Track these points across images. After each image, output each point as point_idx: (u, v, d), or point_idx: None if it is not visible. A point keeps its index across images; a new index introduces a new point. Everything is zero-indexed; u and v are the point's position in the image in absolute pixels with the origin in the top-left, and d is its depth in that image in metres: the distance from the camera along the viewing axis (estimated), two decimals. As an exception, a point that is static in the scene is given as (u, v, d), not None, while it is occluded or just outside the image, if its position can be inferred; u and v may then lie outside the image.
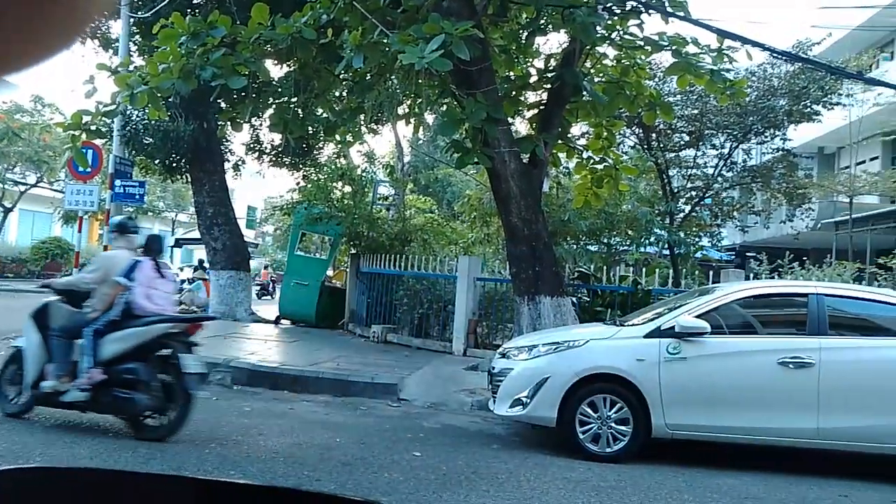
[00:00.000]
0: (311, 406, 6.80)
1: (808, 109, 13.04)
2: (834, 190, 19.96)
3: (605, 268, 10.07)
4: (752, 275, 12.01)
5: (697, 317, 5.41)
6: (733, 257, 23.10)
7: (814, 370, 5.19)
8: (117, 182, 11.77)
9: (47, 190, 25.23)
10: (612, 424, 5.34)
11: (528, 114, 9.27)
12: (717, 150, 13.88)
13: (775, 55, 11.72)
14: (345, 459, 4.86)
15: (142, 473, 1.32)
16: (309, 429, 5.76)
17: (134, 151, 12.60)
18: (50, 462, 4.30)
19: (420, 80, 7.11)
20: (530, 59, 9.49)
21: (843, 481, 5.10)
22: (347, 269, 13.55)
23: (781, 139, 13.81)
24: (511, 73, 9.15)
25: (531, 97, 9.34)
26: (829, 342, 5.30)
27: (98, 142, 11.08)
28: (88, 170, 11.37)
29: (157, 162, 13.22)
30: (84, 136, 7.70)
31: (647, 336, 5.45)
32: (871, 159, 23.87)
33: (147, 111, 9.58)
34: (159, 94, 7.24)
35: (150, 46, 9.91)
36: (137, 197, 12.21)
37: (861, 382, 5.23)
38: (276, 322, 13.23)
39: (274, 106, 8.64)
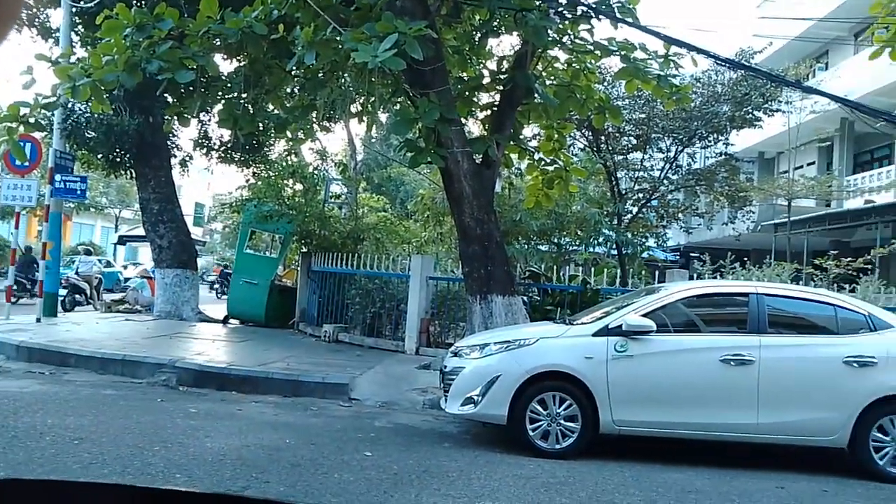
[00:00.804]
0: (260, 407, 6.70)
1: (750, 115, 13.54)
2: (773, 193, 20.76)
3: (555, 267, 10.22)
4: (695, 275, 12.39)
5: (643, 316, 5.55)
6: (678, 257, 23.75)
7: (754, 367, 5.39)
8: (57, 177, 11.35)
9: (-20, 184, 24.08)
10: (562, 421, 5.43)
11: (481, 115, 9.33)
12: (664, 153, 14.27)
13: (719, 62, 12.11)
14: (294, 461, 4.81)
15: (80, 483, 1.28)
16: (258, 430, 5.67)
17: (75, 145, 12.16)
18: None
19: (373, 79, 7.07)
20: (483, 61, 9.56)
21: (780, 473, 5.31)
22: (298, 268, 13.37)
23: (724, 144, 14.29)
24: (464, 74, 9.20)
25: (484, 98, 9.41)
26: (768, 340, 5.51)
27: (37, 135, 10.65)
28: (26, 164, 10.92)
29: (99, 157, 12.78)
30: (22, 128, 7.38)
31: (596, 335, 5.56)
32: (809, 164, 24.90)
33: (90, 104, 9.26)
34: (103, 87, 7.00)
35: (93, 37, 9.57)
36: (79, 192, 11.80)
37: (797, 379, 5.45)
38: (225, 322, 12.97)
39: (223, 101, 8.49)
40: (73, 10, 11.59)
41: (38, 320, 10.76)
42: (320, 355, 9.20)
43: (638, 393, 5.43)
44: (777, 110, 14.24)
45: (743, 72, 12.66)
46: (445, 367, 6.08)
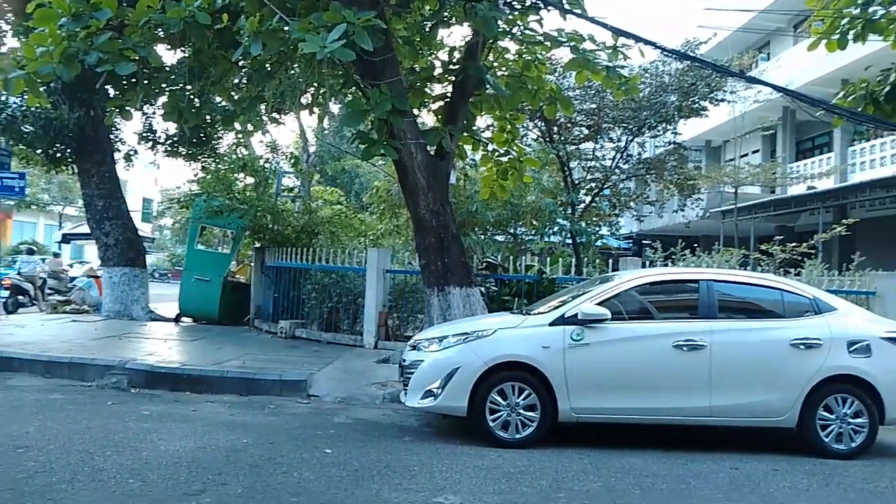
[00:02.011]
0: (216, 407, 6.55)
1: (697, 105, 13.83)
2: (720, 181, 21.33)
3: (511, 258, 10.27)
4: (647, 262, 12.64)
5: (598, 304, 5.63)
6: (631, 245, 24.23)
7: (705, 352, 5.52)
8: (-7, 174, 10.85)
9: None
10: (521, 411, 5.47)
11: (434, 106, 9.29)
12: (615, 143, 14.47)
13: (666, 53, 12.30)
14: (252, 461, 4.72)
15: None
16: (214, 431, 5.55)
17: (12, 140, 11.64)
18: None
19: (323, 70, 6.96)
20: (434, 52, 9.51)
21: (733, 454, 5.46)
22: (252, 264, 13.12)
23: (672, 133, 14.58)
24: (416, 65, 9.14)
25: (436, 89, 9.37)
26: (718, 325, 5.65)
27: (-31, 130, 10.16)
28: (-42, 161, 10.42)
29: (38, 152, 12.28)
30: (-49, 123, 7.02)
31: (552, 324, 5.61)
32: (753, 152, 25.68)
33: (25, 97, 8.86)
34: (38, 80, 6.69)
35: (24, 26, 9.14)
36: (17, 189, 11.35)
37: (747, 362, 5.60)
38: (177, 320, 12.65)
39: (167, 93, 8.23)
40: (5, -2, 11.06)
41: (-23, 324, 10.29)
42: (277, 352, 9.06)
43: (595, 380, 5.50)
44: (722, 100, 14.59)
45: (689, 62, 12.91)
46: (404, 360, 6.06)
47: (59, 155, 12.28)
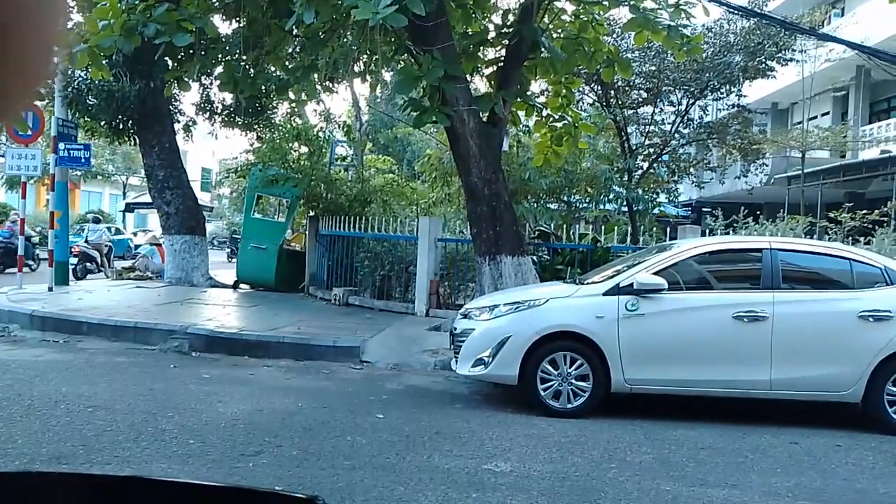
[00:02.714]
0: (272, 371, 6.73)
1: (763, 65, 13.19)
2: (787, 145, 20.40)
3: (565, 226, 10.13)
4: (707, 230, 12.26)
5: (655, 274, 5.48)
6: (690, 213, 23.55)
7: (767, 323, 5.32)
8: (61, 145, 11.26)
9: (-13, 154, 24.09)
10: (573, 381, 5.41)
11: (487, 71, 9.11)
12: (675, 106, 13.98)
13: (731, 10, 11.74)
14: (307, 424, 4.83)
15: (94, 476, 1.24)
16: (270, 394, 5.70)
17: (77, 113, 12.04)
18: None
19: (375, 37, 6.89)
20: (487, 15, 9.29)
21: (794, 429, 5.29)
22: (306, 232, 13.33)
23: (737, 95, 13.98)
24: (468, 29, 8.95)
25: (489, 54, 9.17)
26: (782, 296, 5.43)
27: (38, 103, 10.53)
28: (29, 133, 10.85)
29: (102, 124, 12.68)
30: (21, 97, 7.29)
31: (606, 294, 5.50)
32: (823, 114, 24.41)
33: (89, 71, 9.11)
34: (101, 53, 6.87)
35: (88, 1, 9.36)
36: (83, 160, 11.73)
37: (811, 334, 5.39)
38: (235, 287, 13.01)
39: (223, 64, 8.31)
40: (68, -27, 11.34)
41: (50, 289, 10.82)
42: (331, 319, 9.22)
43: (649, 351, 5.39)
44: (791, 59, 13.87)
45: (756, 20, 12.28)
46: (455, 328, 6.06)
47: (121, 126, 12.65)
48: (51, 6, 0.36)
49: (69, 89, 11.42)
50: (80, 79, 11.48)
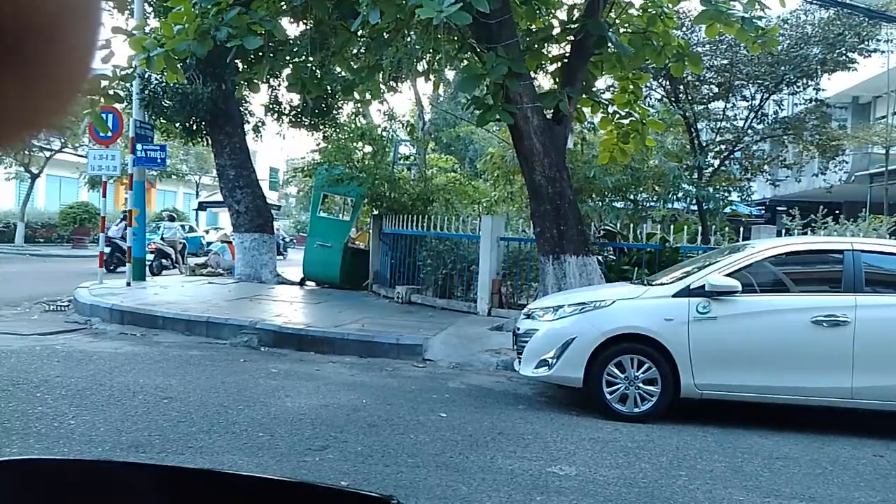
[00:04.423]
0: (337, 367, 6.84)
1: (844, 57, 12.53)
2: (869, 141, 19.34)
3: (631, 225, 9.90)
4: (783, 230, 11.74)
5: (728, 275, 5.28)
6: (763, 212, 22.64)
7: (848, 329, 5.05)
8: (139, 146, 11.77)
9: (72, 155, 25.45)
10: (640, 384, 5.28)
11: (551, 68, 9.00)
12: (748, 101, 13.45)
13: (809, 1, 11.22)
14: (371, 420, 4.88)
15: (130, 464, 1.28)
16: (335, 390, 5.80)
17: (154, 115, 12.56)
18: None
19: (439, 35, 6.91)
20: (552, 11, 9.16)
21: (879, 440, 5.00)
22: (370, 230, 13.51)
23: (815, 89, 13.33)
24: (532, 26, 8.85)
25: (554, 50, 9.06)
26: (864, 300, 5.15)
27: (117, 106, 11.04)
28: (109, 134, 11.37)
29: (177, 125, 13.18)
30: (103, 100, 7.65)
31: (676, 295, 5.34)
32: (909, 108, 23.01)
33: (165, 74, 9.49)
34: (175, 57, 7.12)
35: (164, 7, 9.75)
36: (159, 161, 12.22)
37: (898, 341, 5.08)
38: (301, 284, 13.31)
39: (291, 65, 8.49)
40: (146, -19, 11.84)
41: (128, 284, 11.33)
42: (394, 316, 9.31)
43: (722, 356, 5.19)
44: (874, 50, 13.11)
45: (836, 10, 11.68)
46: (518, 328, 6.01)
47: (194, 128, 13.13)
48: (83, 22, 0.36)
49: (146, 92, 11.93)
50: (157, 82, 11.96)
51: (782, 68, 12.30)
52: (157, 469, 1.04)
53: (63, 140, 24.18)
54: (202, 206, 28.07)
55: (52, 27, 0.33)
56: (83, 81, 0.36)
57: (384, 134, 14.54)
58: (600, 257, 8.83)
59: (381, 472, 3.88)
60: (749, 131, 13.45)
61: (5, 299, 10.33)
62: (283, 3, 7.07)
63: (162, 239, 16.26)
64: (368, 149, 13.70)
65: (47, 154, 24.26)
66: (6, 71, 0.32)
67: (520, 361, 5.84)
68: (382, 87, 13.54)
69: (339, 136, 14.17)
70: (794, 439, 4.96)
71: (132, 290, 10.92)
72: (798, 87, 13.08)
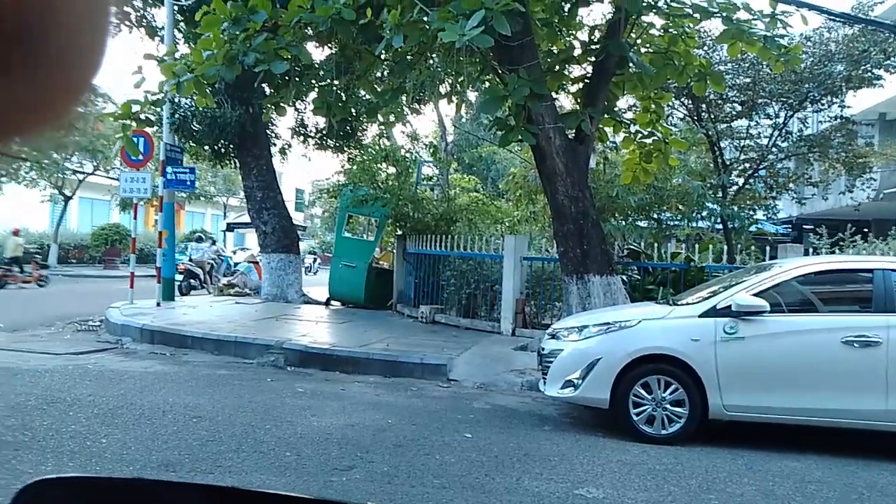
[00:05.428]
0: (363, 387, 6.87)
1: (869, 74, 12.40)
2: (897, 157, 19.01)
3: (655, 244, 9.83)
4: (811, 249, 11.59)
5: (755, 295, 5.23)
6: (790, 231, 22.33)
7: (881, 349, 4.97)
8: (169, 169, 12.04)
9: (104, 178, 26.04)
10: (667, 406, 5.23)
11: (573, 88, 9.06)
12: (772, 119, 13.33)
13: (833, 18, 11.15)
14: (396, 441, 4.90)
15: (183, 483, 1.32)
16: (361, 410, 5.83)
17: (183, 138, 12.85)
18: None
19: (461, 58, 7.00)
20: (573, 32, 9.25)
21: (914, 464, 4.89)
22: (394, 251, 13.60)
23: (840, 106, 13.18)
24: (554, 47, 8.94)
25: (575, 71, 9.12)
26: (897, 320, 5.06)
27: (148, 130, 11.32)
28: (140, 158, 11.64)
29: (206, 148, 13.47)
30: (134, 125, 7.87)
31: (703, 315, 5.30)
32: (939, 124, 22.65)
33: (194, 98, 9.73)
34: (205, 82, 7.32)
35: (194, 33, 10.02)
36: (189, 183, 12.48)
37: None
38: (327, 303, 13.42)
39: (317, 89, 8.67)
40: (176, 7, 12.18)
41: (158, 304, 11.52)
42: (418, 336, 9.33)
43: (750, 377, 5.13)
44: (902, 66, 12.95)
45: (861, 26, 11.60)
46: (543, 349, 6.00)
47: (223, 150, 13.40)
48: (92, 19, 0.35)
49: (176, 116, 12.22)
50: (186, 106, 12.25)
51: (806, 86, 12.21)
52: (188, 487, 1.07)
53: (95, 164, 24.76)
54: (230, 228, 28.47)
55: (59, 28, 0.32)
56: (83, 90, 0.35)
57: (407, 155, 14.70)
58: (624, 277, 8.79)
59: (408, 492, 3.89)
60: (773, 149, 13.33)
61: (39, 319, 10.57)
62: (308, 29, 7.22)
63: (190, 260, 16.52)
64: (392, 170, 13.85)
65: (79, 177, 24.87)
66: (3, 67, 0.31)
67: (545, 382, 5.82)
68: (406, 109, 13.73)
69: (364, 157, 14.35)
70: (827, 462, 4.87)
71: (162, 309, 11.10)
72: (822, 104, 12.95)
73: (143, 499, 0.84)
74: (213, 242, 19.79)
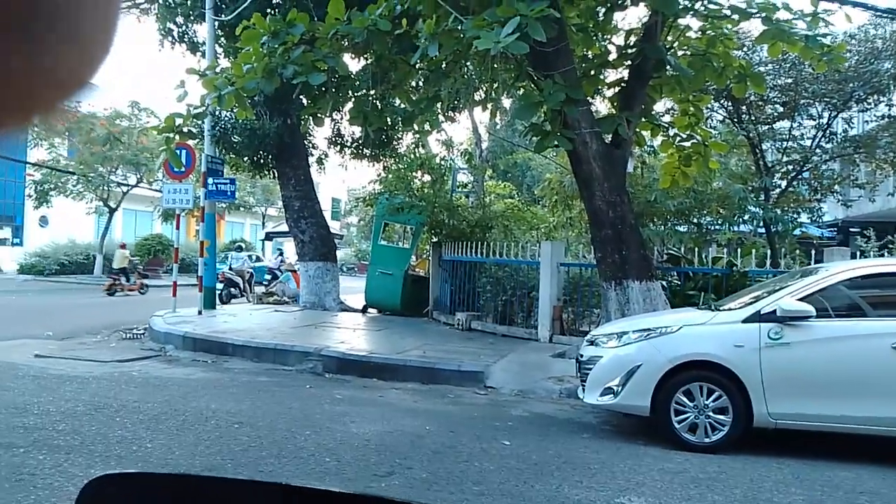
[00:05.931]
0: (400, 394, 6.90)
1: (919, 70, 12.01)
2: (949, 157, 18.33)
3: (696, 249, 9.67)
4: (858, 252, 11.25)
5: (800, 300, 5.10)
6: (835, 234, 21.71)
7: (935, 355, 4.79)
8: (210, 180, 12.31)
9: (147, 190, 26.76)
10: (710, 413, 5.13)
11: (609, 92, 8.98)
12: (815, 120, 13.01)
13: (879, 14, 10.86)
14: (435, 448, 4.90)
15: (237, 480, 1.35)
16: (399, 416, 5.85)
17: (224, 150, 13.14)
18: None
19: (496, 65, 7.02)
20: (609, 36, 9.17)
21: (972, 475, 4.69)
22: (430, 258, 13.65)
23: (887, 105, 12.80)
24: (589, 52, 8.88)
25: (611, 75, 9.05)
26: (951, 324, 4.88)
27: (191, 142, 11.60)
28: (183, 170, 11.93)
29: (245, 159, 13.74)
30: (177, 137, 8.08)
31: (746, 321, 5.19)
32: None
33: (235, 111, 9.95)
34: (245, 95, 7.48)
35: (234, 48, 10.26)
36: (229, 194, 12.73)
37: None
38: (364, 311, 13.52)
39: (353, 99, 8.77)
40: (217, 23, 12.48)
41: (200, 313, 11.76)
42: (454, 343, 9.34)
43: (796, 384, 5.00)
44: (953, 62, 12.52)
45: (909, 22, 11.26)
46: (582, 355, 5.94)
47: (262, 161, 13.65)
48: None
49: (217, 128, 12.51)
50: (227, 119, 12.53)
51: (851, 85, 11.88)
52: (247, 484, 1.10)
53: (139, 176, 25.44)
54: (269, 237, 29.00)
55: (66, 14, 0.33)
56: (97, 65, 0.36)
57: (442, 163, 14.76)
58: (664, 282, 8.66)
59: (447, 499, 3.89)
60: (817, 151, 13.00)
61: (86, 327, 10.89)
62: (345, 41, 7.32)
63: (230, 269, 16.83)
64: (427, 178, 13.93)
65: (124, 189, 25.60)
66: (6, 48, 0.32)
67: (583, 389, 5.76)
68: (441, 117, 13.79)
69: (399, 165, 14.46)
70: (879, 472, 4.71)
71: (203, 318, 11.33)
72: (868, 103, 12.59)
73: (194, 493, 0.87)
74: (242, 249, 20.17)
